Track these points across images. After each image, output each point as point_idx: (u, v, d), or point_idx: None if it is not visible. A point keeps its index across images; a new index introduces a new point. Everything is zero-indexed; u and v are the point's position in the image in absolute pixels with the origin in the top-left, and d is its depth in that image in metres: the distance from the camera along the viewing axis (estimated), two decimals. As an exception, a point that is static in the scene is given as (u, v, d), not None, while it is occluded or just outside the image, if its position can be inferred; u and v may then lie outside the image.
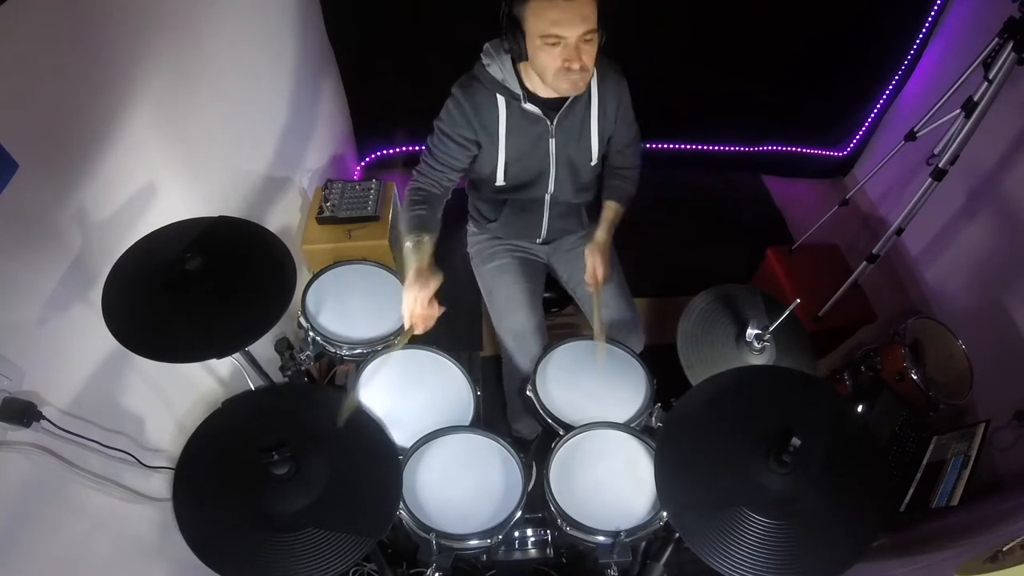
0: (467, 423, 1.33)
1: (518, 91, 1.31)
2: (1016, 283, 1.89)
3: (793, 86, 2.50)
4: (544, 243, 1.67)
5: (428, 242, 1.32)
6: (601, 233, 1.46)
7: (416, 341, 1.34)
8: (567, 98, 1.33)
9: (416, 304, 1.24)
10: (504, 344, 1.57)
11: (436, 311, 1.27)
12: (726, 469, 0.97)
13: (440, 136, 1.38)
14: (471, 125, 1.35)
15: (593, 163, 1.45)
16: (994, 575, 1.05)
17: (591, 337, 1.50)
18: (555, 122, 1.36)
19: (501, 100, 1.34)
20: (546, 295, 1.71)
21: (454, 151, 1.38)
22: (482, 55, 1.33)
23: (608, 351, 1.47)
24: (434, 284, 1.26)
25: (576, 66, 1.20)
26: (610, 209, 1.50)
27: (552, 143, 1.40)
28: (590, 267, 1.41)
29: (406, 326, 1.26)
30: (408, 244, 1.31)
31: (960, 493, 1.48)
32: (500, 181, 1.45)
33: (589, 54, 1.21)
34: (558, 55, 1.20)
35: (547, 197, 1.53)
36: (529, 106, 1.33)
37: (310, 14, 2.07)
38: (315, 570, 0.87)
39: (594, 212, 1.68)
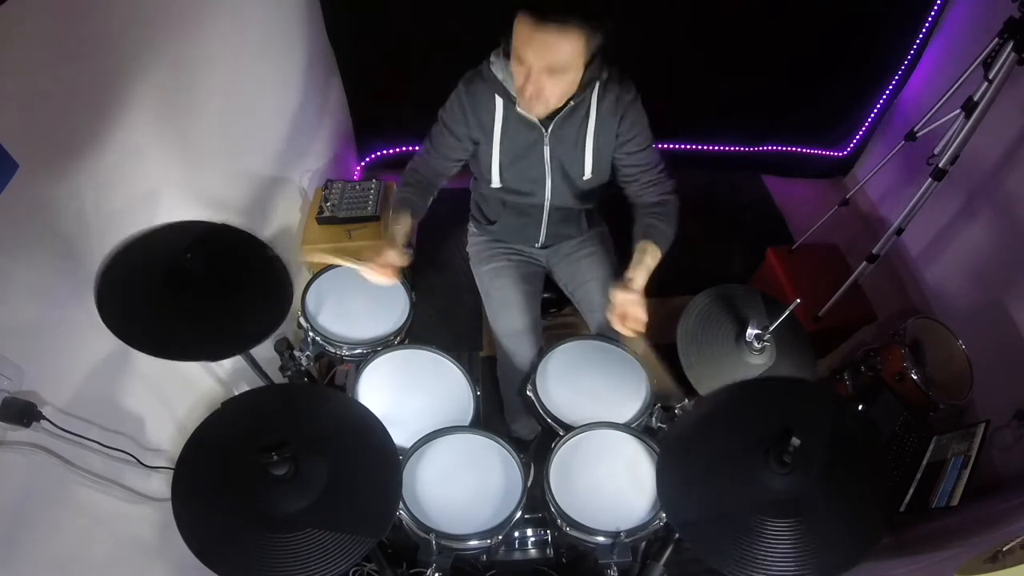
0: (467, 423, 1.33)
1: (514, 94, 1.31)
2: (1016, 283, 1.89)
3: (793, 86, 2.50)
4: (543, 247, 1.67)
5: (407, 221, 1.36)
6: (633, 273, 1.26)
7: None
8: (562, 108, 1.32)
9: (378, 254, 1.26)
10: (499, 344, 1.57)
11: (396, 259, 1.27)
12: (726, 470, 0.97)
13: (441, 126, 1.40)
14: (467, 120, 1.35)
15: (586, 177, 1.43)
16: (994, 575, 1.05)
17: (591, 337, 1.51)
18: (550, 130, 1.35)
19: (499, 100, 1.33)
20: (545, 295, 1.71)
21: (451, 143, 1.39)
22: (492, 53, 1.33)
23: (608, 351, 1.47)
24: (401, 257, 1.28)
25: (528, 91, 1.18)
26: (643, 251, 1.30)
27: (546, 151, 1.39)
28: (617, 307, 1.22)
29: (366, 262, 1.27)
30: (393, 222, 1.36)
31: (960, 493, 1.48)
32: (495, 183, 1.45)
33: (552, 86, 1.18)
34: (521, 73, 1.18)
35: (546, 203, 1.52)
36: (523, 111, 1.32)
37: (310, 15, 2.07)
38: (315, 570, 0.87)
39: (595, 218, 1.68)
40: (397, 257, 1.27)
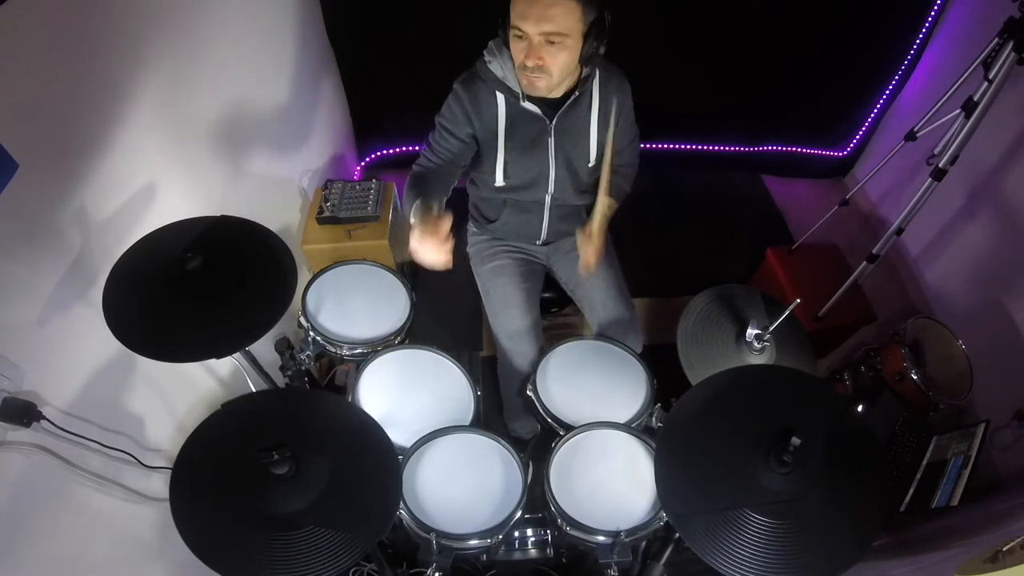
0: (467, 423, 1.33)
1: (518, 89, 1.31)
2: (1016, 283, 1.89)
3: (793, 86, 2.50)
4: (544, 244, 1.67)
5: (432, 206, 1.24)
6: (593, 223, 1.41)
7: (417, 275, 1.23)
8: (567, 98, 1.33)
9: (423, 236, 1.14)
10: (499, 344, 1.57)
11: (445, 237, 1.16)
12: (726, 470, 0.97)
13: (441, 132, 1.38)
14: (471, 121, 1.35)
15: (591, 165, 1.45)
16: (994, 575, 1.05)
17: (591, 337, 1.51)
18: (554, 122, 1.36)
19: (501, 98, 1.34)
20: (546, 295, 1.71)
21: (455, 147, 1.38)
22: (484, 52, 1.33)
23: (608, 351, 1.47)
24: (446, 222, 1.17)
25: (530, 63, 1.19)
26: (603, 203, 1.43)
27: (551, 143, 1.40)
28: (583, 257, 1.40)
29: (412, 250, 1.17)
30: (414, 216, 1.23)
31: (960, 493, 1.48)
32: (500, 182, 1.45)
33: (552, 56, 1.19)
34: (522, 49, 1.20)
35: (547, 198, 1.53)
36: (528, 105, 1.33)
37: (310, 14, 2.07)
38: (315, 570, 0.87)
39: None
40: (439, 226, 1.16)
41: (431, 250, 1.15)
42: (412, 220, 1.23)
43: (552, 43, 1.17)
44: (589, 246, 1.39)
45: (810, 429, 0.91)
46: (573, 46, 1.20)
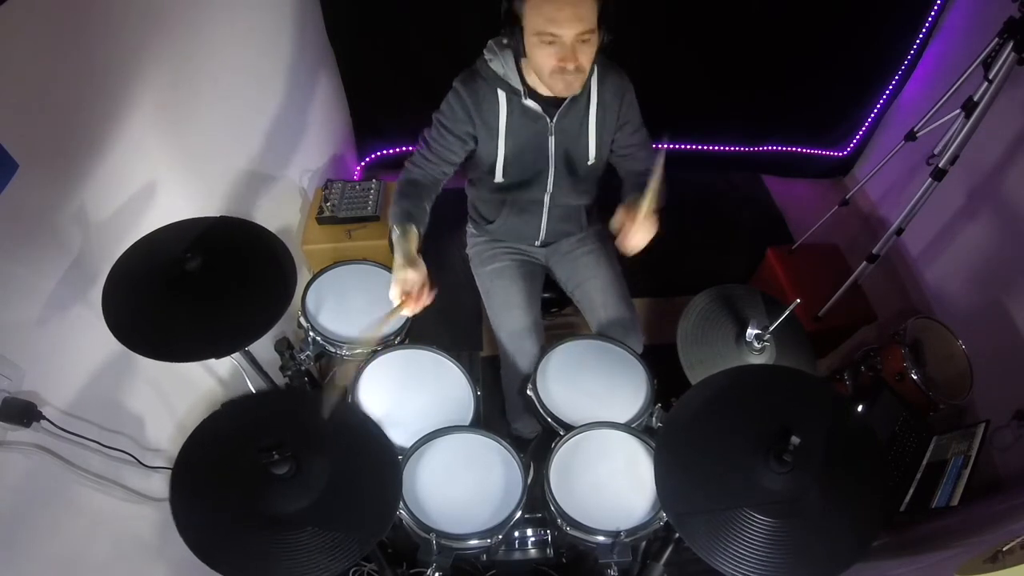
0: (467, 423, 1.33)
1: (519, 87, 1.31)
2: (1016, 283, 1.89)
3: (793, 86, 2.50)
4: (543, 245, 1.67)
5: (414, 233, 1.27)
6: (637, 202, 1.22)
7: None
8: (565, 98, 1.33)
9: (407, 284, 1.19)
10: (501, 344, 1.57)
11: (428, 295, 1.22)
12: (726, 469, 0.97)
13: (439, 129, 1.37)
14: (471, 119, 1.35)
15: (591, 162, 1.45)
16: (994, 575, 1.05)
17: (591, 337, 1.51)
18: (555, 120, 1.36)
19: (502, 95, 1.34)
20: (546, 295, 1.71)
21: (452, 144, 1.38)
22: (485, 51, 1.33)
23: (608, 351, 1.47)
24: (422, 271, 1.22)
25: (571, 66, 1.19)
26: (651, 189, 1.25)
27: (551, 140, 1.40)
28: (621, 239, 1.23)
29: (395, 303, 1.21)
30: (396, 232, 1.26)
31: (960, 493, 1.48)
32: (499, 178, 1.45)
33: (586, 54, 1.20)
34: (553, 54, 1.19)
35: (546, 198, 1.53)
36: (529, 103, 1.33)
37: (310, 14, 2.08)
38: (315, 570, 0.88)
39: (594, 216, 1.68)
40: (420, 277, 1.21)
41: (412, 301, 1.21)
42: (393, 243, 1.25)
43: (584, 41, 1.18)
44: (632, 226, 1.21)
45: (810, 429, 0.92)
46: (596, 40, 1.21)
